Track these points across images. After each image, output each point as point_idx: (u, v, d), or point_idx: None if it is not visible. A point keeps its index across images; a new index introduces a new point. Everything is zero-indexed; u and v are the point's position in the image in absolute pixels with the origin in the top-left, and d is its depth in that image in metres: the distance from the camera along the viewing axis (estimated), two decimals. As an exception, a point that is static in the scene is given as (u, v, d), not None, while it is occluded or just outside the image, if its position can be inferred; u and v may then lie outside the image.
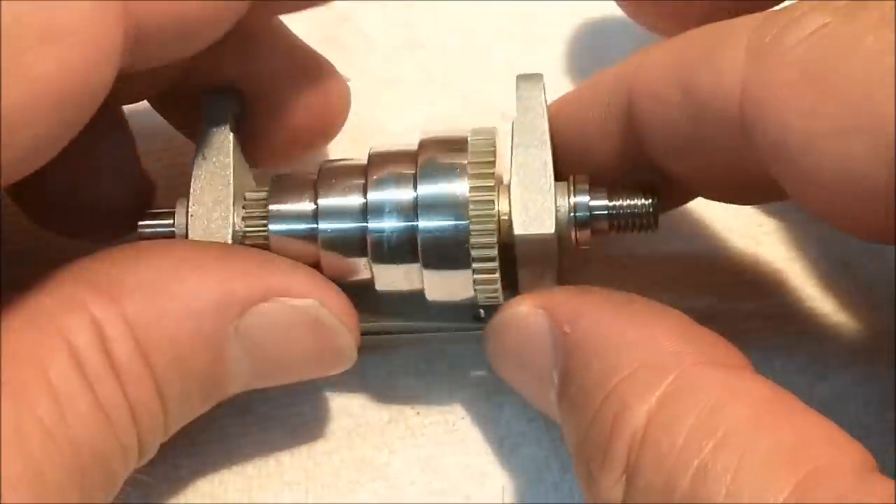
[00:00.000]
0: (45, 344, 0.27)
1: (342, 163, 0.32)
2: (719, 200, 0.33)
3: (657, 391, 0.26)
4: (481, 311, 0.33)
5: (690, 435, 0.25)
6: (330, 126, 0.34)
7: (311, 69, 0.34)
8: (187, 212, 0.31)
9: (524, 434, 0.34)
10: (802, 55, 0.25)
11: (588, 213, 0.31)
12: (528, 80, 0.32)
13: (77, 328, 0.27)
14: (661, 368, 0.27)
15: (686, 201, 0.34)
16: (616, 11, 0.41)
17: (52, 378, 0.26)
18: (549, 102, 0.32)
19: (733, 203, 0.33)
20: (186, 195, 0.32)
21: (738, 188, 0.30)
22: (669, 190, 0.31)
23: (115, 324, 0.27)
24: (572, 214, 0.31)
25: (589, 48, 0.40)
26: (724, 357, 0.27)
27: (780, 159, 0.26)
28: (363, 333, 0.32)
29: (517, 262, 0.31)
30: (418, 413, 0.34)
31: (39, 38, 0.24)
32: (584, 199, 0.31)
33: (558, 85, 0.39)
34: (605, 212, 0.31)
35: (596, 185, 0.32)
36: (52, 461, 0.25)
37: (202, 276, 0.29)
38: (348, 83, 0.35)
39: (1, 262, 0.32)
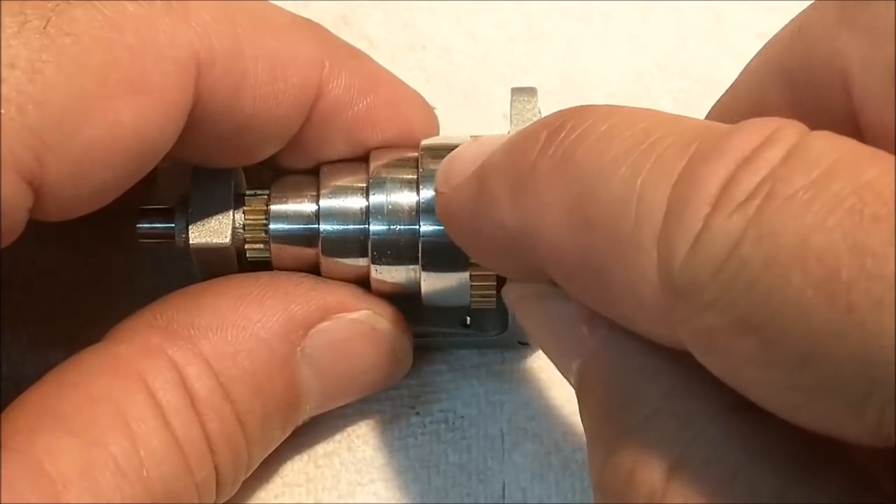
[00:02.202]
0: (122, 387, 0.27)
1: (344, 164, 0.32)
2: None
3: (676, 451, 0.23)
4: (468, 317, 0.34)
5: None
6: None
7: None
8: (187, 210, 0.31)
9: (525, 432, 0.34)
10: (725, 295, 0.21)
11: None
12: (523, 92, 0.33)
13: (155, 371, 0.28)
14: (682, 421, 0.23)
15: None
16: (616, 11, 0.41)
17: (127, 418, 0.27)
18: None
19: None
20: (186, 193, 0.32)
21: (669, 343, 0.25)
22: None
23: (195, 363, 0.28)
24: None
25: (590, 48, 0.40)
26: (749, 405, 0.23)
27: (740, 388, 0.22)
28: None
29: None
30: (418, 413, 0.34)
31: (129, 89, 0.27)
32: None
33: (558, 85, 0.39)
34: None
35: None
36: (123, 496, 0.26)
37: (262, 307, 0.30)
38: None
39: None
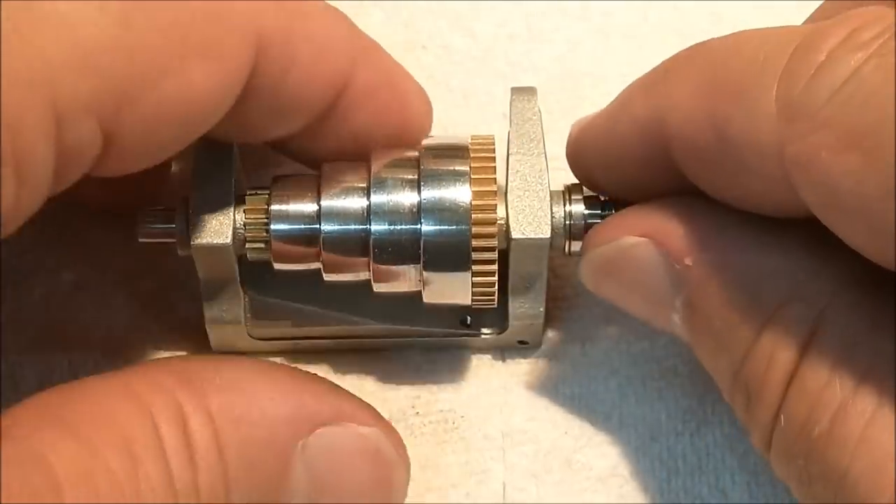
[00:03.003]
0: (128, 411, 0.27)
1: (345, 164, 0.32)
2: (760, 213, 0.32)
3: (807, 327, 0.27)
4: (468, 317, 0.34)
5: (834, 372, 0.26)
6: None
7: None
8: (188, 211, 0.31)
9: (525, 432, 0.34)
10: (838, 113, 0.24)
11: (583, 222, 0.32)
12: (523, 92, 0.33)
13: (161, 406, 0.27)
14: (809, 303, 0.27)
15: None
16: (616, 11, 0.41)
17: (130, 440, 0.26)
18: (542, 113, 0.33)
19: (776, 216, 0.33)
20: (187, 194, 0.32)
21: (783, 209, 0.29)
22: None
23: (199, 414, 0.28)
24: (567, 222, 0.32)
25: (590, 48, 0.40)
26: (866, 278, 0.27)
27: (829, 213, 0.25)
28: (355, 337, 0.32)
29: (510, 265, 0.32)
30: (418, 413, 0.34)
31: (202, 52, 0.27)
32: (579, 208, 0.32)
33: (558, 85, 0.39)
34: (599, 221, 0.32)
35: (591, 195, 0.32)
36: None
37: (278, 388, 0.29)
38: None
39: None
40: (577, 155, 0.33)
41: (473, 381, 0.35)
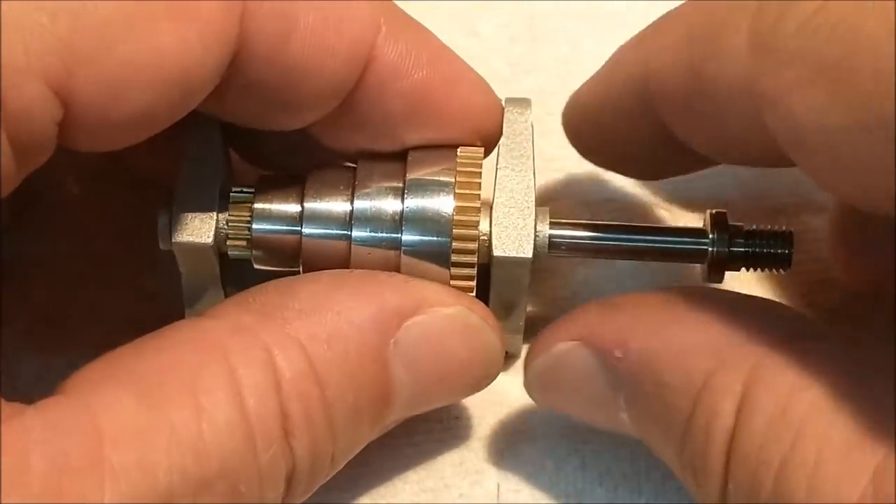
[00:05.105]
0: (199, 359, 0.27)
1: (333, 168, 0.32)
2: (742, 164, 0.33)
3: (737, 391, 0.26)
4: None
5: (770, 430, 0.26)
6: None
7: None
8: (171, 208, 0.31)
9: (520, 432, 0.34)
10: (805, 46, 0.24)
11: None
12: (517, 103, 0.33)
13: (240, 348, 0.27)
14: (736, 365, 0.27)
15: (706, 167, 0.34)
16: (617, 11, 0.41)
17: (196, 389, 0.26)
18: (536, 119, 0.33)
19: (757, 166, 0.33)
20: (172, 191, 0.32)
21: (761, 155, 0.29)
22: (691, 158, 0.31)
23: (287, 345, 0.28)
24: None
25: (590, 48, 0.40)
26: (794, 329, 0.28)
27: (797, 151, 0.25)
28: None
29: (491, 282, 0.32)
30: (414, 413, 0.34)
31: (171, 14, 0.26)
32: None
33: (560, 85, 0.39)
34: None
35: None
36: (171, 464, 0.25)
37: (357, 295, 0.29)
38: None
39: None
40: (571, 120, 0.33)
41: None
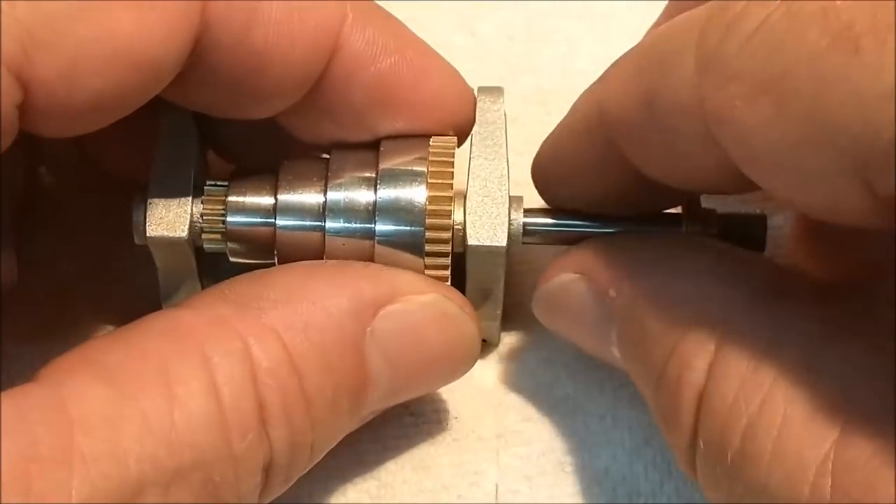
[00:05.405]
0: (174, 349, 0.27)
1: (305, 159, 0.32)
2: (707, 192, 0.33)
3: (711, 347, 0.27)
4: None
5: (740, 390, 0.26)
6: None
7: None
8: (145, 203, 0.31)
9: (518, 433, 0.34)
10: (748, 63, 0.24)
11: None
12: (489, 92, 0.33)
13: (216, 339, 0.27)
14: (712, 321, 0.27)
15: (678, 203, 0.34)
16: (617, 11, 0.41)
17: (170, 378, 0.26)
18: (508, 115, 0.33)
19: (721, 193, 0.33)
20: (146, 183, 0.32)
21: (721, 179, 0.29)
22: (661, 194, 0.31)
23: (264, 335, 0.28)
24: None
25: (590, 48, 0.40)
26: (777, 285, 0.28)
27: (749, 165, 0.25)
28: None
29: (467, 271, 0.32)
30: (412, 413, 0.34)
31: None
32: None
33: (558, 85, 0.39)
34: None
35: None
36: (142, 453, 0.25)
37: (332, 284, 0.29)
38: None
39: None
40: (539, 175, 0.33)
41: (467, 381, 0.34)
